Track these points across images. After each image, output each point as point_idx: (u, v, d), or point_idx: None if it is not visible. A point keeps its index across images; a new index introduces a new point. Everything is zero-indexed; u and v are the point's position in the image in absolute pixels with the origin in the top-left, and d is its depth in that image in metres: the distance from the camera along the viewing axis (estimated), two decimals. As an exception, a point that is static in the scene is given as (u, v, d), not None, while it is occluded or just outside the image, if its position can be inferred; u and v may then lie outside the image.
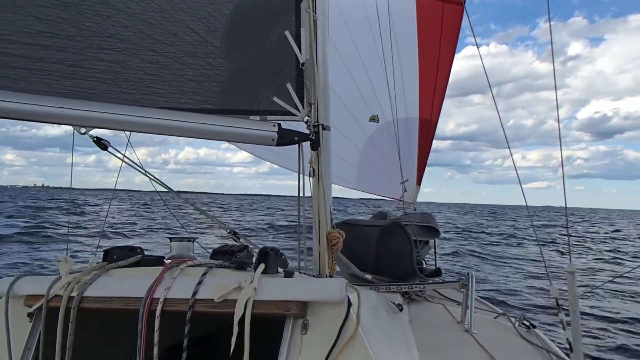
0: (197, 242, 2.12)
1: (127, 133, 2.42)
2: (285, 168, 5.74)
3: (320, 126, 2.23)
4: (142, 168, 2.38)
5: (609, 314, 9.16)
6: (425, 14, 5.68)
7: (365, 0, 5.56)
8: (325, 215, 2.20)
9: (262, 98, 2.24)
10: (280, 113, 2.23)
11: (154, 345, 1.54)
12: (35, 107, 1.94)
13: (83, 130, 2.07)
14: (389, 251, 3.69)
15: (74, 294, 1.66)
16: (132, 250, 1.90)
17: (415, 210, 5.69)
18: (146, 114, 2.07)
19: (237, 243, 2.35)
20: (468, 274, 2.93)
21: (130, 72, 2.12)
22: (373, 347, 1.49)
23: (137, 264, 1.86)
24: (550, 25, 2.51)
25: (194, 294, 1.56)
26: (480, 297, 4.01)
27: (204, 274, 1.64)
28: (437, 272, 3.89)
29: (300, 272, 2.05)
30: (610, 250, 20.82)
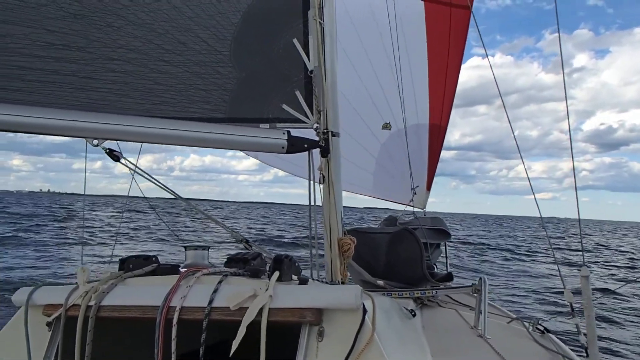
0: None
1: (139, 144, 2.44)
2: (295, 175, 5.76)
3: (330, 133, 2.23)
4: (153, 178, 2.40)
5: (624, 318, 9.06)
6: (433, 18, 5.69)
7: (374, 7, 5.59)
8: (336, 222, 2.20)
9: (271, 106, 2.25)
10: (290, 120, 2.24)
11: (171, 354, 1.54)
12: (49, 121, 1.96)
13: (95, 142, 2.09)
14: (400, 257, 3.68)
15: (92, 303, 1.68)
16: (147, 259, 1.91)
17: (425, 214, 5.68)
18: (157, 125, 2.09)
19: (249, 250, 2.35)
20: (480, 278, 2.91)
21: (141, 82, 2.14)
22: (389, 353, 1.49)
23: (152, 273, 1.87)
24: (559, 36, 2.50)
25: (210, 302, 1.57)
26: (493, 301, 3.99)
27: (220, 282, 1.65)
28: (449, 277, 3.87)
29: (313, 279, 2.05)
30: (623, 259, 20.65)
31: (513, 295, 11.07)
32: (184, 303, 1.59)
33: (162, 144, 2.14)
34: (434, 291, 3.20)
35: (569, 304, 2.39)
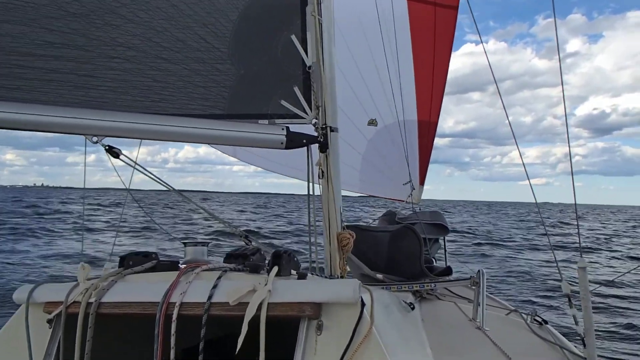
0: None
1: (138, 140, 2.45)
2: (293, 177, 5.79)
3: (329, 128, 2.25)
4: (152, 174, 2.41)
5: (621, 309, 9.12)
6: (417, 17, 5.74)
7: (357, 6, 5.64)
8: (335, 217, 2.22)
9: (270, 102, 2.26)
10: (289, 116, 2.26)
11: (170, 349, 1.56)
12: (49, 118, 1.97)
13: (95, 139, 2.10)
14: (401, 253, 3.71)
15: (92, 300, 1.69)
16: (147, 255, 1.93)
17: (420, 209, 5.71)
18: (157, 122, 2.10)
19: (249, 246, 2.37)
20: (479, 271, 2.94)
21: (140, 79, 2.15)
22: (387, 346, 1.51)
23: (152, 269, 1.88)
24: (555, 21, 2.51)
25: (210, 297, 1.58)
26: (492, 293, 4.02)
27: (219, 277, 1.66)
28: (448, 271, 3.90)
29: (312, 274, 2.07)
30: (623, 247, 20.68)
31: (511, 286, 11.14)
32: (184, 299, 1.61)
33: (161, 140, 2.15)
34: (433, 284, 3.22)
35: (566, 295, 2.42)
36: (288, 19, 2.27)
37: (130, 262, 1.88)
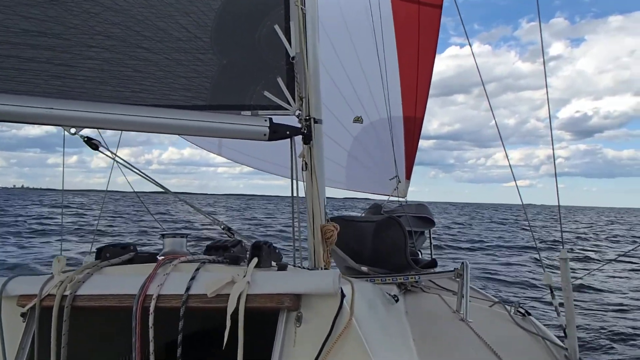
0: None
1: (118, 132, 2.41)
2: (275, 174, 5.77)
3: (312, 119, 2.23)
4: (133, 167, 2.38)
5: (602, 300, 9.27)
6: (401, 15, 5.77)
7: (341, 4, 5.63)
8: (319, 209, 2.21)
9: (253, 93, 2.23)
10: (272, 107, 2.23)
11: (149, 342, 1.54)
12: (24, 109, 1.92)
13: (73, 130, 2.05)
14: (385, 245, 3.71)
15: (67, 292, 1.65)
16: (125, 247, 1.89)
17: (407, 202, 5.74)
18: (137, 113, 2.06)
19: (230, 238, 2.35)
20: (463, 263, 2.95)
21: (120, 69, 2.11)
22: (368, 338, 1.50)
23: (130, 262, 1.85)
24: (540, 25, 2.51)
25: (187, 289, 1.56)
26: (476, 286, 4.04)
27: (197, 269, 1.64)
28: (433, 263, 3.91)
29: (294, 266, 2.05)
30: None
31: (495, 279, 11.25)
32: (161, 291, 1.58)
33: (141, 132, 2.11)
34: (417, 276, 3.23)
35: (548, 286, 2.44)
36: (271, 8, 2.23)
37: (108, 254, 1.85)
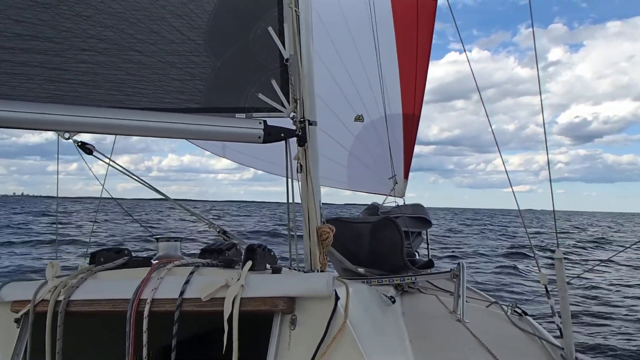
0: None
1: (113, 137, 2.40)
2: (270, 173, 5.76)
3: (307, 121, 2.22)
4: (127, 171, 2.37)
5: (597, 299, 9.30)
6: (400, 10, 5.77)
7: (342, 3, 5.63)
8: (314, 211, 2.20)
9: (247, 95, 2.22)
10: (266, 110, 2.22)
11: (143, 347, 1.53)
12: (18, 114, 1.91)
13: (67, 135, 2.04)
14: (382, 245, 3.71)
15: (61, 297, 1.65)
16: (119, 252, 1.88)
17: (404, 202, 5.74)
18: (131, 116, 2.05)
19: (225, 241, 2.34)
20: (459, 263, 2.95)
21: (113, 73, 2.10)
22: (362, 340, 1.49)
23: (124, 266, 1.84)
24: (533, 32, 2.51)
25: (182, 293, 1.55)
26: (473, 286, 4.05)
27: (192, 273, 1.63)
28: (430, 264, 3.91)
29: (290, 269, 2.05)
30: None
31: (492, 280, 11.27)
32: (155, 295, 1.57)
33: (136, 135, 2.11)
34: (413, 277, 3.23)
35: (543, 286, 2.44)
36: (265, 10, 2.23)
37: (102, 258, 1.84)
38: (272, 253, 1.81)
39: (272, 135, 2.16)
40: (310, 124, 2.23)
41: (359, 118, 6.00)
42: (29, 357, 1.67)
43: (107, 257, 1.85)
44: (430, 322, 2.71)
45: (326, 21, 5.55)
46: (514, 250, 18.19)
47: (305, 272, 2.02)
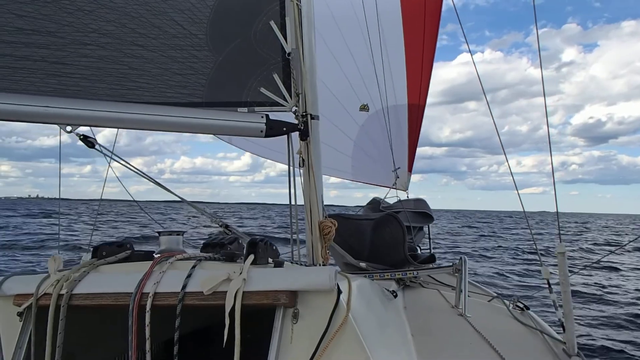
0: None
1: (115, 130, 2.40)
2: (274, 161, 5.76)
3: (309, 116, 2.22)
4: (129, 164, 2.37)
5: (599, 293, 9.29)
6: (408, 2, 5.75)
7: None
8: (317, 205, 2.20)
9: (249, 89, 2.22)
10: (268, 104, 2.22)
11: (145, 340, 1.53)
12: (20, 107, 1.91)
13: (69, 128, 2.05)
14: (384, 241, 3.71)
15: (63, 291, 1.65)
16: (121, 246, 1.89)
17: (408, 197, 5.73)
18: (133, 110, 2.05)
19: (227, 235, 2.34)
20: (461, 258, 2.95)
21: (115, 67, 2.10)
22: (364, 334, 1.50)
23: (126, 260, 1.84)
24: (537, 33, 2.49)
25: (184, 287, 1.56)
26: (474, 280, 4.05)
27: (194, 266, 1.63)
28: (432, 258, 3.91)
29: (292, 263, 2.05)
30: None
31: (494, 274, 11.27)
32: (157, 289, 1.58)
33: (138, 129, 2.10)
34: (415, 272, 3.23)
35: (546, 280, 2.44)
36: (267, 4, 2.22)
37: (104, 252, 1.84)
38: (274, 247, 1.81)
39: (274, 129, 2.16)
40: (312, 118, 2.23)
41: (364, 107, 5.97)
42: (32, 350, 1.68)
43: (109, 251, 1.85)
44: (433, 316, 2.71)
45: (335, 11, 5.53)
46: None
47: (307, 266, 2.02)
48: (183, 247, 1.97)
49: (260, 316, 1.63)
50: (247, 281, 1.52)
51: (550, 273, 2.44)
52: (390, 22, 5.60)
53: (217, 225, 2.61)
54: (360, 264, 3.52)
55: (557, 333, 2.45)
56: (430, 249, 5.03)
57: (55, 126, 2.14)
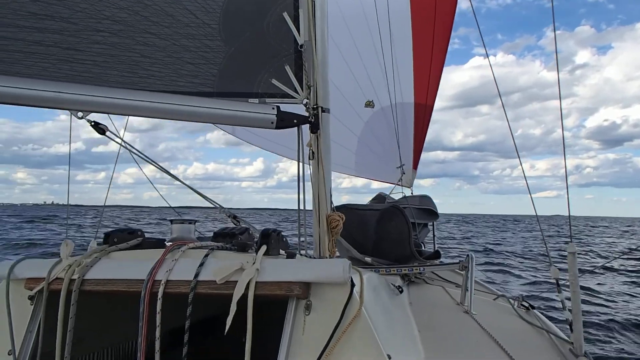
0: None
1: (125, 118, 2.40)
2: (282, 155, 5.76)
3: (320, 108, 2.21)
4: (138, 151, 2.37)
5: (607, 294, 9.26)
6: (418, 2, 5.73)
7: None
8: (325, 198, 2.20)
9: (260, 81, 2.21)
10: (279, 96, 2.21)
11: (156, 327, 1.53)
12: (32, 92, 1.91)
13: (80, 114, 2.04)
14: (389, 234, 3.70)
15: (75, 276, 1.65)
16: (132, 233, 1.89)
17: (412, 194, 5.72)
18: (144, 98, 2.05)
19: (237, 225, 2.34)
20: (468, 255, 2.94)
21: (127, 54, 2.09)
22: (376, 327, 1.49)
23: (138, 247, 1.84)
24: (555, 35, 2.46)
25: (196, 275, 1.55)
26: (479, 279, 4.04)
27: (206, 255, 1.63)
28: (436, 255, 3.90)
29: (301, 254, 2.04)
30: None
31: (499, 272, 11.25)
32: (170, 276, 1.57)
33: (148, 117, 2.10)
34: (421, 268, 3.22)
35: (555, 280, 2.42)
36: (280, -5, 2.21)
37: (115, 239, 1.84)
38: (285, 239, 1.80)
39: (285, 121, 2.15)
40: (323, 111, 2.22)
41: (369, 104, 5.97)
42: (41, 334, 1.68)
43: (120, 237, 1.85)
44: (438, 313, 2.70)
45: (344, 9, 5.52)
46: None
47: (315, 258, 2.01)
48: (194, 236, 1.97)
49: (270, 307, 1.62)
50: (260, 271, 1.52)
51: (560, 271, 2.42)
52: (398, 22, 5.59)
53: (225, 215, 2.61)
54: (366, 258, 3.52)
55: (564, 333, 2.44)
56: (434, 245, 5.02)
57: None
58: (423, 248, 4.57)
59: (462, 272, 2.98)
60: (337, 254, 2.37)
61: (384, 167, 6.12)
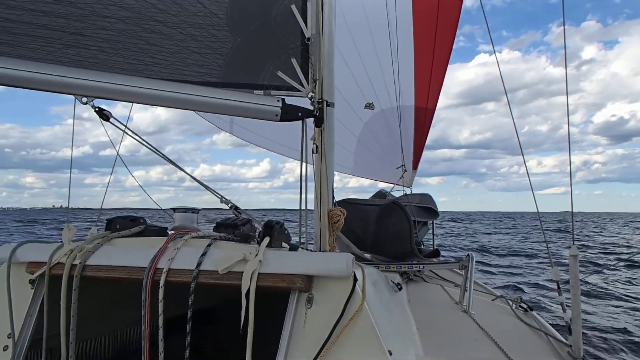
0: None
1: (129, 104, 2.39)
2: (285, 156, 5.76)
3: (325, 102, 2.20)
4: (141, 138, 2.36)
5: (608, 296, 9.26)
6: (420, 8, 5.75)
7: None
8: (327, 193, 2.19)
9: (266, 73, 2.20)
10: (285, 88, 2.20)
11: (158, 315, 1.53)
12: (37, 75, 1.90)
13: (85, 100, 2.03)
14: (388, 230, 3.69)
15: (77, 261, 1.64)
16: (134, 220, 1.87)
17: (412, 191, 5.74)
18: (149, 85, 2.04)
19: (239, 216, 2.33)
20: (468, 255, 2.93)
21: (133, 41, 2.08)
22: (377, 323, 1.49)
23: (140, 234, 1.83)
24: (564, 31, 2.44)
25: (198, 265, 1.54)
26: (478, 279, 4.03)
27: (209, 245, 1.62)
28: (436, 253, 3.90)
29: (302, 248, 2.04)
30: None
31: (498, 274, 11.24)
32: (172, 265, 1.56)
33: (153, 105, 2.09)
34: (421, 266, 3.22)
35: (555, 282, 2.42)
36: (289, -13, 2.19)
37: (117, 225, 1.83)
38: (287, 231, 1.79)
39: (289, 113, 2.14)
40: (328, 105, 2.21)
41: (369, 106, 6.01)
42: (45, 318, 1.68)
43: (122, 224, 1.84)
44: (437, 311, 2.70)
45: (345, 11, 5.53)
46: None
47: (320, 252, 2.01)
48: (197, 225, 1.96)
49: (272, 299, 1.62)
50: (263, 263, 1.51)
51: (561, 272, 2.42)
52: (400, 27, 5.60)
53: (227, 206, 2.60)
54: (365, 255, 3.51)
55: (562, 335, 2.44)
56: (433, 244, 5.02)
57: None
58: (422, 246, 4.56)
59: (461, 272, 2.97)
60: (337, 249, 2.37)
61: (383, 167, 6.15)
